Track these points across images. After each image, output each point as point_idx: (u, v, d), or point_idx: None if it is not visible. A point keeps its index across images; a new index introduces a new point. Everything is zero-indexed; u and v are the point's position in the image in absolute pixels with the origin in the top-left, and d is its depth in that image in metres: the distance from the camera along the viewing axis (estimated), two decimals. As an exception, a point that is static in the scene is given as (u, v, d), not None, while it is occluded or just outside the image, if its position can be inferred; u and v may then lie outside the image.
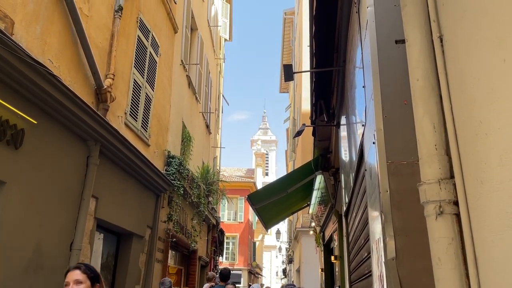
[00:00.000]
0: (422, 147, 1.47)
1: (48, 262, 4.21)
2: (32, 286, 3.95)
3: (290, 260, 26.49)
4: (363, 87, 2.75)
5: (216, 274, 9.64)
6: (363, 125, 2.84)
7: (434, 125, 1.44)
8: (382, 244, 2.08)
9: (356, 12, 3.22)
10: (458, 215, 1.33)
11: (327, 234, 9.88)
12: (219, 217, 15.38)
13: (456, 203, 1.34)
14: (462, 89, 1.31)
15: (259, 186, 32.89)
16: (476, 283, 1.22)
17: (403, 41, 1.66)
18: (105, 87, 5.29)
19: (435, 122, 1.44)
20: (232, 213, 34.02)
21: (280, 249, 37.31)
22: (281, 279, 40.85)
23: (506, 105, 1.03)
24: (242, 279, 32.71)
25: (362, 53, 2.84)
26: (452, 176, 1.37)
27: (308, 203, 10.46)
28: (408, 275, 1.84)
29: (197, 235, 10.63)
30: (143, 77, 6.97)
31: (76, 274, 2.30)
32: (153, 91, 7.53)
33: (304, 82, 14.95)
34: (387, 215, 1.97)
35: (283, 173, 43.20)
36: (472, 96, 1.23)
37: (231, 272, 7.63)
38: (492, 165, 1.10)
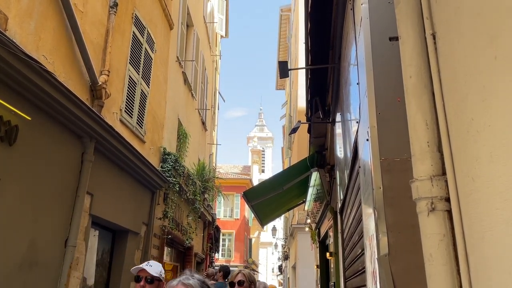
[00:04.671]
0: (414, 144, 1.47)
1: (43, 259, 4.20)
2: (26, 282, 3.94)
3: (286, 257, 26.57)
4: (357, 84, 2.75)
5: (215, 271, 9.65)
6: (357, 122, 2.85)
7: (426, 122, 1.45)
8: (375, 240, 2.09)
9: (351, 9, 3.22)
10: (449, 212, 1.34)
11: (323, 231, 9.91)
12: (215, 213, 15.39)
13: (448, 199, 1.34)
14: (454, 86, 1.32)
15: (255, 183, 32.90)
16: (467, 279, 1.23)
17: (396, 38, 1.66)
18: (100, 83, 5.27)
19: (428, 119, 1.45)
20: (228, 210, 34.05)
21: (276, 245, 37.39)
22: (277, 275, 40.95)
23: (497, 102, 1.03)
24: (238, 275, 32.72)
25: (356, 50, 2.85)
26: (444, 173, 1.38)
27: (304, 200, 10.49)
28: (401, 271, 1.85)
29: (193, 232, 10.63)
30: (138, 74, 6.95)
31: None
32: (149, 87, 7.51)
33: (300, 79, 14.95)
34: (380, 212, 1.98)
35: (279, 170, 43.17)
36: (464, 93, 1.24)
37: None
38: (483, 162, 1.11)
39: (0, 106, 3.49)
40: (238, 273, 3.32)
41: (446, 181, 1.36)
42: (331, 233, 7.83)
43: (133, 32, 6.74)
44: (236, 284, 3.21)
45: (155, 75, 7.90)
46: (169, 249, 9.83)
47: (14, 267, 3.77)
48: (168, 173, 8.14)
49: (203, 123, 13.90)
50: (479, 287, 1.17)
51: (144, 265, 3.07)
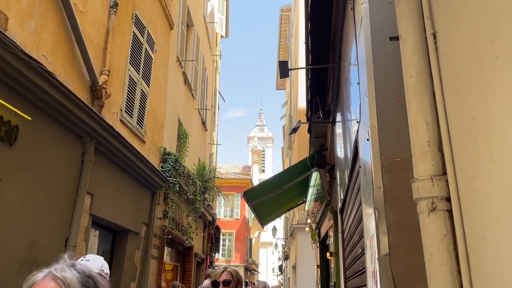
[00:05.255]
0: (415, 143, 1.47)
1: (43, 259, 4.19)
2: (27, 282, 3.93)
3: (286, 257, 26.57)
4: (357, 84, 2.75)
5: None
6: (357, 122, 2.84)
7: (427, 122, 1.45)
8: (375, 240, 2.09)
9: (351, 9, 3.22)
10: (450, 212, 1.34)
11: (323, 231, 9.90)
12: (215, 213, 15.38)
13: (448, 199, 1.34)
14: (455, 86, 1.32)
15: (256, 183, 32.89)
16: (468, 278, 1.23)
17: (397, 38, 1.66)
18: (100, 83, 5.27)
19: (428, 119, 1.45)
20: (229, 210, 34.04)
21: (276, 245, 37.38)
22: (277, 275, 40.96)
23: (497, 102, 1.03)
24: (238, 275, 32.71)
25: (356, 50, 2.84)
26: (444, 173, 1.37)
27: (304, 200, 10.49)
28: (401, 271, 1.85)
29: (193, 232, 10.63)
30: (138, 74, 6.95)
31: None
32: (149, 87, 7.51)
33: (300, 79, 14.95)
34: (381, 212, 1.98)
35: (279, 170, 43.16)
36: (464, 93, 1.23)
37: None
38: (484, 162, 1.11)
39: (0, 106, 3.49)
40: (223, 271, 2.86)
41: (446, 181, 1.36)
42: (331, 233, 7.83)
43: (133, 32, 6.74)
44: (221, 284, 2.77)
45: (155, 75, 7.89)
46: (169, 249, 9.84)
47: (14, 267, 3.77)
48: (168, 173, 8.14)
49: (203, 123, 13.90)
50: (480, 287, 1.17)
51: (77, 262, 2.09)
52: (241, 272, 33.15)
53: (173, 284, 8.99)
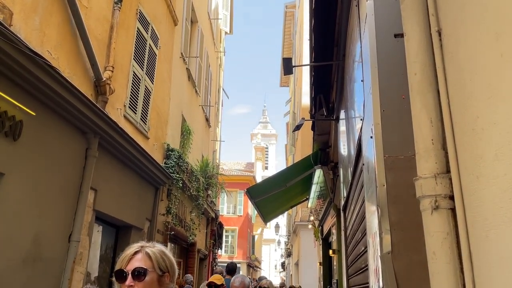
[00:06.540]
0: (419, 141, 1.46)
1: (47, 254, 4.22)
2: (31, 277, 3.96)
3: (288, 254, 26.60)
4: (361, 81, 2.74)
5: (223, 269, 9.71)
6: (361, 119, 2.84)
7: (431, 120, 1.44)
8: (378, 238, 2.09)
9: (356, 6, 3.21)
10: (453, 210, 1.33)
11: (326, 228, 9.91)
12: (218, 210, 15.41)
13: (452, 197, 1.33)
14: (460, 83, 1.31)
15: (259, 180, 32.91)
16: (471, 277, 1.23)
17: (401, 35, 1.65)
18: (104, 79, 5.28)
19: (432, 117, 1.44)
20: (232, 207, 34.11)
21: (279, 242, 37.45)
22: (280, 272, 41.04)
23: (502, 100, 1.02)
24: (241, 272, 32.85)
25: (361, 46, 2.83)
26: (448, 171, 1.37)
27: (307, 197, 10.49)
28: (404, 269, 1.84)
29: (196, 228, 10.66)
30: (142, 70, 6.95)
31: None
32: (153, 83, 7.51)
33: (304, 76, 14.92)
34: (384, 209, 1.97)
35: (282, 167, 43.16)
36: (469, 90, 1.22)
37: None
38: (488, 160, 1.10)
39: (4, 101, 3.50)
40: (134, 253, 1.64)
41: (450, 179, 1.35)
42: (334, 231, 7.83)
43: (138, 28, 6.73)
44: (130, 275, 1.54)
45: (159, 71, 7.90)
46: (172, 245, 9.86)
47: (18, 261, 3.79)
48: (172, 169, 8.16)
49: (207, 120, 13.90)
50: (483, 286, 1.16)
51: None
52: (244, 268, 33.18)
53: (186, 277, 9.04)
